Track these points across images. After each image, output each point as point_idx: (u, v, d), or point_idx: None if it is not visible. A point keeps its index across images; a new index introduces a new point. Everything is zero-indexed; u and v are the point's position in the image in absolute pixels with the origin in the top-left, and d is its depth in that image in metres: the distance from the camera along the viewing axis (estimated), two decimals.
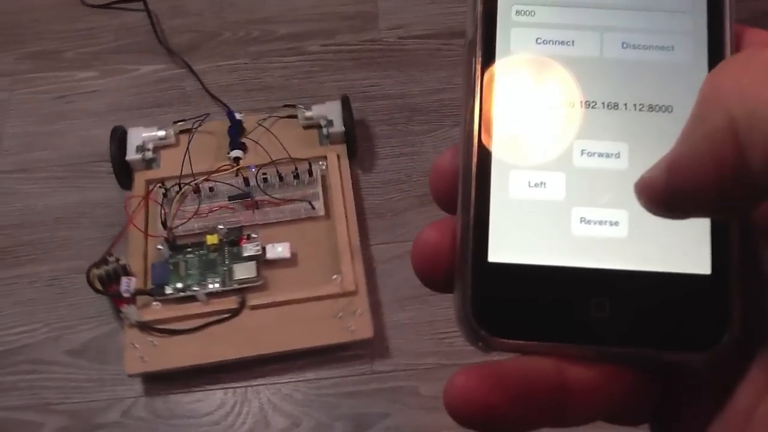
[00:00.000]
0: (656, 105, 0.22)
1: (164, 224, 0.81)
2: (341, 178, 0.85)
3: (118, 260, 0.79)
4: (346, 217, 0.82)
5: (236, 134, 0.86)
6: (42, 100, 0.97)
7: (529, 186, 0.21)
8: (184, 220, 0.81)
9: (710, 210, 0.18)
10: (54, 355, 0.80)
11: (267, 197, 0.82)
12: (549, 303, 0.20)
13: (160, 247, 0.80)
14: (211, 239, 0.80)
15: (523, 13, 0.23)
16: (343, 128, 0.85)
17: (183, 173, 0.83)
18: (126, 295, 0.77)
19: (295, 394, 0.77)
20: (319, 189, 0.83)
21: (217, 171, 0.83)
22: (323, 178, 0.85)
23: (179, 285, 0.78)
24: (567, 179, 0.21)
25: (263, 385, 0.78)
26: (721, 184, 0.16)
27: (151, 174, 0.86)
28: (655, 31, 0.22)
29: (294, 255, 0.80)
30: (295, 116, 0.88)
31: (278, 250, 0.79)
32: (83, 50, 1.01)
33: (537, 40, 0.22)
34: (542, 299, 0.20)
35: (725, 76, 0.17)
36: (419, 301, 0.80)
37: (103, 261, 0.78)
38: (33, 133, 0.95)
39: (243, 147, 0.86)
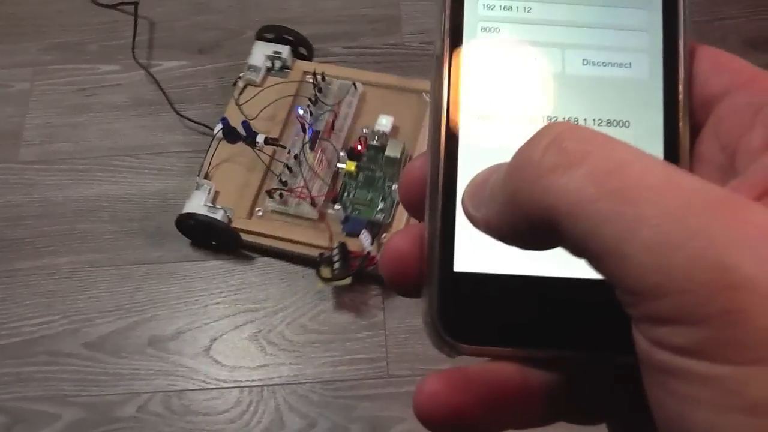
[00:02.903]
0: (614, 120, 0.23)
1: (313, 202, 0.82)
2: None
3: (330, 251, 0.79)
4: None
5: (249, 128, 0.85)
6: (64, 92, 0.97)
7: None
8: (320, 183, 0.83)
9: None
10: (72, 347, 0.80)
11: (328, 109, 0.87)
12: (513, 310, 0.21)
13: (336, 207, 0.80)
14: (350, 166, 0.83)
15: (488, 29, 0.23)
16: (288, 52, 0.92)
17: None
18: (369, 248, 0.78)
19: (311, 395, 0.77)
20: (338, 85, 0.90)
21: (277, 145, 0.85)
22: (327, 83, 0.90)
23: (382, 205, 0.82)
24: None
25: (280, 384, 0.78)
26: (531, 246, 0.19)
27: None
28: (613, 49, 0.23)
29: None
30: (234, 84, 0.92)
31: (384, 123, 0.85)
32: (107, 43, 1.01)
33: (501, 55, 0.23)
34: (506, 307, 0.21)
35: (522, 175, 0.17)
36: None
37: (326, 261, 0.78)
38: (54, 124, 0.95)
39: (253, 135, 0.85)
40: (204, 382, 0.78)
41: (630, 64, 0.23)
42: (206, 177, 0.85)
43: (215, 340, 0.80)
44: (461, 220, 0.22)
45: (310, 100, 0.87)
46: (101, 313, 0.82)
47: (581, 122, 0.22)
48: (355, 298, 0.82)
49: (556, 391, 0.20)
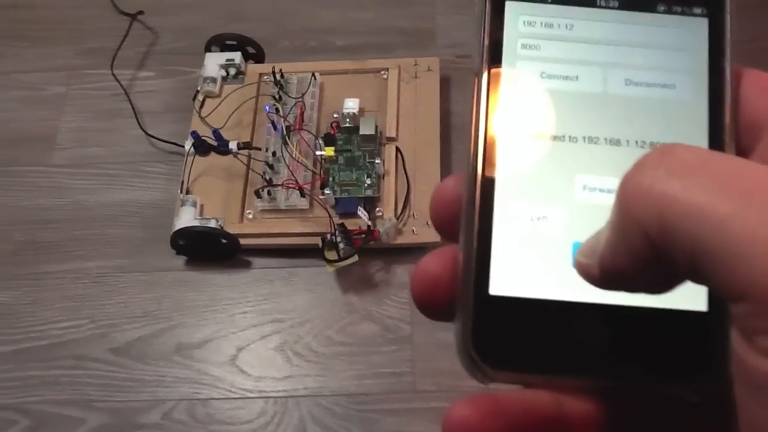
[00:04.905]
0: (657, 142, 0.22)
1: (302, 192, 0.82)
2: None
3: (331, 235, 0.79)
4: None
5: (220, 137, 0.85)
6: (98, 97, 0.98)
7: (531, 219, 0.22)
8: (305, 172, 0.85)
9: (644, 292, 0.19)
10: (98, 352, 0.80)
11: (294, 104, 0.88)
12: (549, 336, 0.21)
13: (327, 192, 0.82)
14: (329, 151, 0.84)
15: (528, 46, 0.23)
16: (239, 57, 0.94)
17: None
18: (369, 222, 0.80)
19: (336, 408, 0.77)
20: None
21: (251, 148, 0.86)
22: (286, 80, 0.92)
23: (369, 182, 0.83)
24: (568, 214, 0.22)
25: (304, 396, 0.77)
26: (646, 280, 0.18)
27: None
28: (657, 69, 0.23)
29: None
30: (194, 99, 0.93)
31: (351, 105, 0.87)
32: (142, 49, 1.01)
33: (542, 74, 0.23)
34: (542, 332, 0.21)
35: (636, 181, 0.17)
36: None
37: (329, 244, 0.79)
38: (87, 128, 0.95)
39: (225, 144, 0.85)
40: (229, 391, 0.78)
41: (674, 85, 0.22)
42: (187, 192, 0.86)
43: (241, 349, 0.80)
44: (498, 242, 0.21)
45: (274, 97, 0.89)
46: (128, 319, 0.82)
47: (623, 144, 0.22)
48: (382, 311, 0.81)
49: (592, 422, 0.20)
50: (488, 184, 0.22)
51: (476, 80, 0.22)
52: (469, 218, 0.21)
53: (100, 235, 0.88)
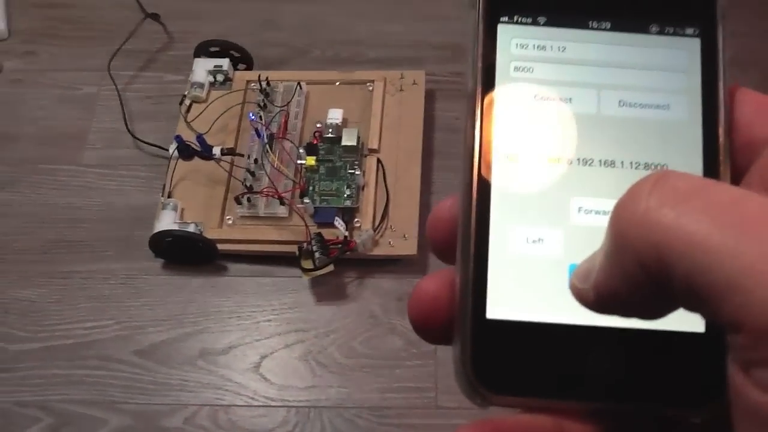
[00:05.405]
0: (652, 164, 0.22)
1: (282, 201, 0.83)
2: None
3: (307, 244, 0.80)
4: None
5: (204, 142, 0.86)
6: (129, 99, 0.98)
7: (527, 242, 0.22)
8: (286, 180, 0.85)
9: (639, 317, 0.19)
10: (123, 353, 0.81)
11: (278, 112, 0.89)
12: (547, 359, 0.21)
13: (306, 201, 0.82)
14: (310, 161, 0.85)
15: (521, 69, 0.23)
16: (228, 64, 0.94)
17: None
18: (346, 233, 0.80)
19: (358, 420, 0.77)
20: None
21: (235, 155, 0.87)
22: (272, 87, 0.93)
23: (348, 192, 0.84)
24: (564, 236, 0.22)
25: (326, 407, 0.78)
26: (641, 305, 0.18)
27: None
28: (651, 90, 0.23)
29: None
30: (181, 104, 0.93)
31: (335, 116, 0.88)
32: (174, 53, 1.02)
33: (535, 96, 0.23)
34: (540, 356, 0.21)
35: (631, 209, 0.17)
36: None
37: (306, 253, 0.79)
38: (118, 130, 0.96)
39: (209, 149, 0.86)
40: (252, 398, 0.78)
41: (668, 105, 0.23)
42: (169, 196, 0.87)
43: (265, 357, 0.80)
44: (494, 265, 0.21)
45: (259, 105, 0.90)
46: (154, 322, 0.82)
47: (617, 165, 0.22)
48: (406, 325, 0.81)
49: None
50: (483, 207, 0.22)
51: (470, 103, 0.23)
52: (465, 240, 0.21)
53: (128, 236, 0.88)
